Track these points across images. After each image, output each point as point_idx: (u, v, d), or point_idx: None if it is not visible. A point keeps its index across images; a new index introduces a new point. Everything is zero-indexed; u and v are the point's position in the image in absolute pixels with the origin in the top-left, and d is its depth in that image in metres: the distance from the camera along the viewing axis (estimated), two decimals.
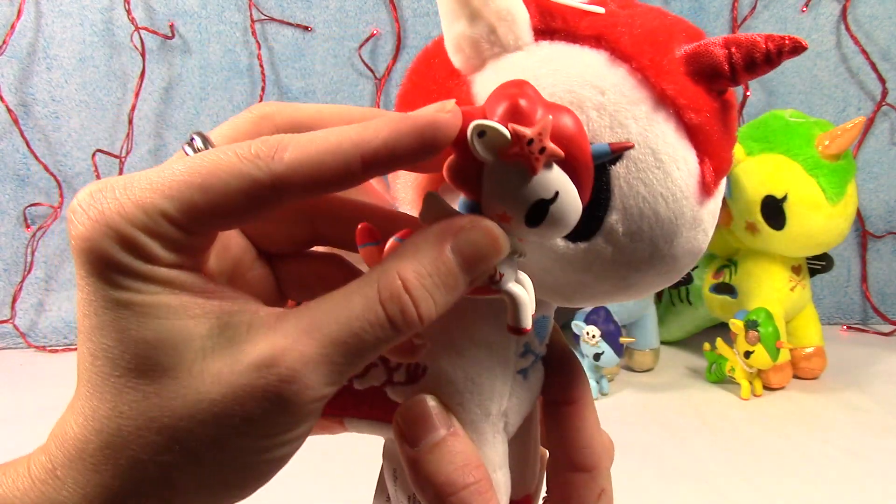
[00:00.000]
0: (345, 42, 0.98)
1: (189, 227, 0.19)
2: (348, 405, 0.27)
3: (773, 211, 0.76)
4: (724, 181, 0.24)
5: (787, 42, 0.21)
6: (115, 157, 0.97)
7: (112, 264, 0.18)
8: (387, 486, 0.29)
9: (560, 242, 0.23)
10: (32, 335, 0.99)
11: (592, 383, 0.77)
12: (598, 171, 0.21)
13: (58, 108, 0.97)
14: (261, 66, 0.98)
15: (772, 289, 0.80)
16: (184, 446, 0.19)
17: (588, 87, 0.22)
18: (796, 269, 0.82)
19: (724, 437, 0.67)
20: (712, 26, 0.98)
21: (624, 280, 0.23)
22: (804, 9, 0.98)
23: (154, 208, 0.18)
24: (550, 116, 0.19)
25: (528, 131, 0.19)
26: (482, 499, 0.23)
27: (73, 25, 0.95)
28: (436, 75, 0.24)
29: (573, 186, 0.20)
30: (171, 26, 0.96)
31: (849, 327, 1.02)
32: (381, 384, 0.26)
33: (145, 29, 0.95)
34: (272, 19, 0.97)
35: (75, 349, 0.20)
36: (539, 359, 0.27)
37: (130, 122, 0.97)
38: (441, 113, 0.19)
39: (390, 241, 0.22)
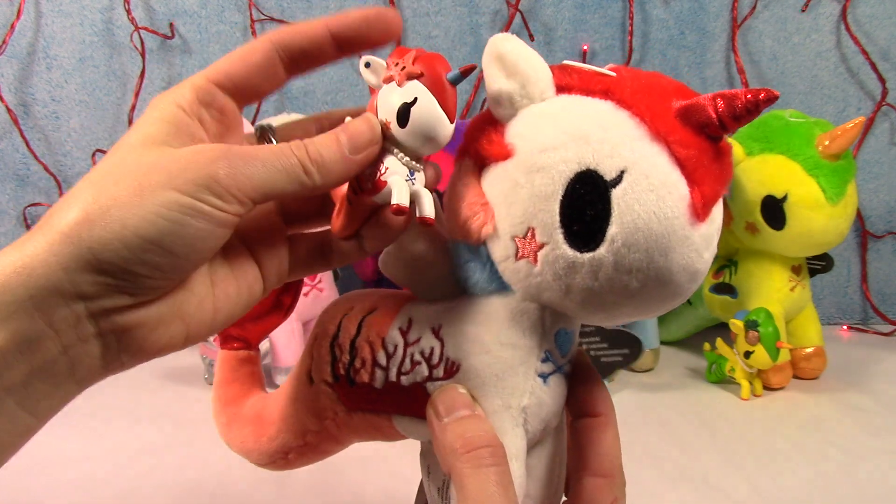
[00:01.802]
0: None
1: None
2: (396, 402, 0.31)
3: (773, 211, 0.76)
4: (718, 212, 0.28)
5: (762, 94, 0.26)
6: None
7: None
8: (423, 483, 0.33)
9: (570, 252, 0.27)
10: None
11: None
12: (601, 192, 0.26)
13: (58, 108, 0.97)
14: None
15: (772, 289, 0.80)
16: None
17: (594, 125, 0.27)
18: (796, 270, 0.82)
19: (724, 437, 0.66)
20: (712, 26, 0.97)
21: (627, 289, 0.27)
22: (804, 9, 0.98)
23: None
24: (415, 54, 0.28)
25: (397, 60, 0.28)
26: (495, 460, 0.27)
27: (72, 25, 0.95)
28: (483, 125, 0.30)
29: (433, 98, 0.27)
30: (171, 26, 0.96)
31: (849, 327, 1.02)
32: (423, 380, 0.30)
33: (145, 29, 0.95)
34: (272, 19, 0.97)
35: None
36: (560, 371, 0.31)
37: (130, 121, 0.97)
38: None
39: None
